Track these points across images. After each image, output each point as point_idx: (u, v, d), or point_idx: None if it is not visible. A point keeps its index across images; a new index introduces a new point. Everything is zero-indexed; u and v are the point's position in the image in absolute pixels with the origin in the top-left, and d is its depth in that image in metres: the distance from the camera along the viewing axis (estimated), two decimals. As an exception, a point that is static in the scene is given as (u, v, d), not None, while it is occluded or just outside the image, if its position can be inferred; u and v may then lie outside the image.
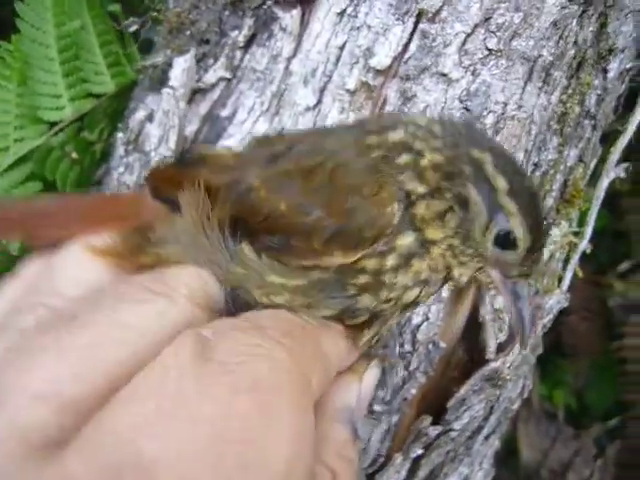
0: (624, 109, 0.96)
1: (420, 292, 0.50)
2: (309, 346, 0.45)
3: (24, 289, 0.48)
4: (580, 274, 0.96)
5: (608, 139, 0.95)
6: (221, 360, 0.38)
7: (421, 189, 0.47)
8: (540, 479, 2.18)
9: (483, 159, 0.47)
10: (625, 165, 0.90)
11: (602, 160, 0.94)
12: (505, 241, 0.47)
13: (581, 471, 2.17)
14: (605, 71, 0.85)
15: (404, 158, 0.48)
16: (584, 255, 2.21)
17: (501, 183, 0.46)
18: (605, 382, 2.22)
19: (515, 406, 0.95)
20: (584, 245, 0.90)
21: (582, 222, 0.92)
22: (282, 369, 0.40)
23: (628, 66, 0.87)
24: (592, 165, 0.93)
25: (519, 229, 0.47)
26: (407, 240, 0.48)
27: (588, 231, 0.89)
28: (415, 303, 0.51)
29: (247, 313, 0.46)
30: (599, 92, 0.86)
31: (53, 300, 0.45)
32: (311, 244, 0.46)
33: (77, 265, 0.48)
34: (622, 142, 0.89)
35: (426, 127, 0.50)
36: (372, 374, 0.55)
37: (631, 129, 0.89)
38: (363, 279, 0.48)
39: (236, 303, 0.48)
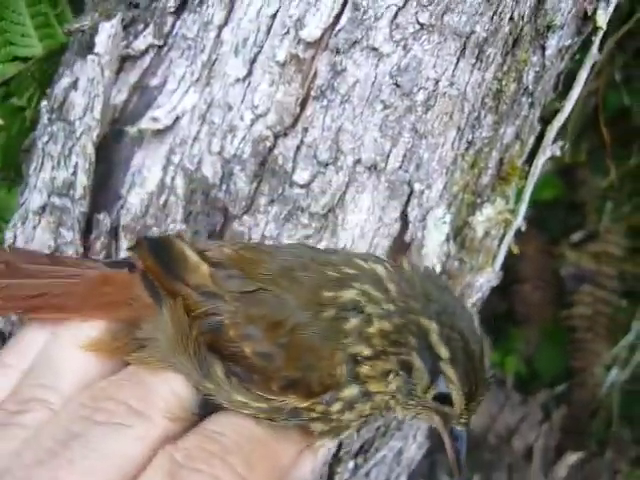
0: (564, 87, 0.96)
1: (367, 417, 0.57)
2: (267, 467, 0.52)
3: (24, 373, 0.55)
4: (516, 250, 0.96)
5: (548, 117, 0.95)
6: None
7: (367, 352, 0.54)
8: (487, 444, 2.24)
9: (429, 328, 0.53)
10: (561, 143, 0.90)
11: (540, 137, 0.94)
12: (444, 400, 0.54)
13: (527, 436, 2.23)
14: (543, 48, 0.84)
15: (352, 323, 0.54)
16: (538, 225, 2.23)
17: (443, 352, 0.52)
18: (554, 349, 2.29)
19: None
20: (518, 222, 0.90)
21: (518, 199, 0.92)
22: None
23: (567, 43, 0.87)
24: (530, 142, 0.93)
25: (456, 394, 0.53)
26: (351, 392, 0.54)
27: (522, 209, 0.90)
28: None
29: (215, 425, 0.52)
30: (537, 69, 0.85)
31: (49, 396, 0.51)
32: (270, 386, 0.53)
33: (71, 359, 0.55)
34: (559, 120, 0.89)
35: (381, 284, 0.55)
36: (325, 448, 0.60)
37: (568, 107, 0.88)
38: (314, 415, 0.54)
39: (208, 406, 0.54)
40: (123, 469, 0.46)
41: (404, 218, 0.79)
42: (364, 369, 0.54)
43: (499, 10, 0.74)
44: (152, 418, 0.50)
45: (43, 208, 0.84)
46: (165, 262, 0.60)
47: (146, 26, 0.83)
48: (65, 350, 0.56)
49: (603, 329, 2.17)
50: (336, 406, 0.54)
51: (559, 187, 2.20)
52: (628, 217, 2.16)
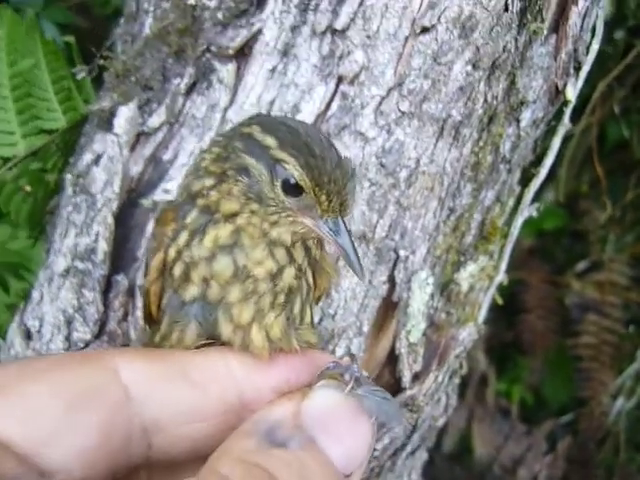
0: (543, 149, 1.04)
1: (238, 264, 0.53)
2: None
3: None
4: (500, 302, 1.04)
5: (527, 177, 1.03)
6: None
7: (209, 182, 0.54)
8: (493, 475, 2.26)
9: (251, 130, 0.53)
10: (537, 205, 0.98)
11: (520, 198, 1.02)
12: (292, 188, 0.52)
13: (532, 466, 2.25)
14: (518, 120, 0.92)
15: (189, 177, 0.58)
16: (542, 254, 2.26)
17: (270, 141, 0.52)
18: (560, 379, 2.31)
19: (439, 422, 1.04)
20: (499, 278, 0.98)
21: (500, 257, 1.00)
22: None
23: (540, 115, 0.95)
24: (510, 204, 1.01)
25: (296, 173, 0.51)
26: (192, 217, 0.54)
27: (502, 266, 0.97)
28: (266, 281, 0.53)
29: None
30: (513, 139, 0.93)
31: None
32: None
33: None
34: (535, 184, 0.97)
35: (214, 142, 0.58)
36: (320, 394, 0.49)
37: (543, 173, 0.97)
38: (177, 270, 0.54)
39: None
40: None
41: (391, 280, 0.87)
42: (212, 196, 0.53)
43: (472, 96, 0.83)
44: None
45: (67, 271, 0.93)
46: None
47: (159, 106, 0.93)
48: None
49: (608, 358, 2.18)
50: (183, 236, 0.54)
51: (563, 217, 2.24)
52: (631, 246, 2.20)
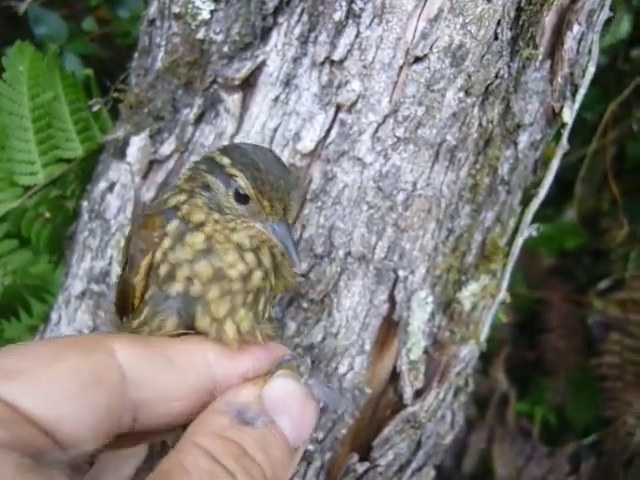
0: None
1: (215, 266, 0.62)
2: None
3: None
4: (504, 319, 1.06)
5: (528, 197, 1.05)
6: None
7: (182, 197, 0.64)
8: (514, 497, 2.23)
9: (213, 155, 0.65)
10: (536, 225, 1.00)
11: (521, 218, 1.04)
12: (241, 197, 0.62)
13: (554, 489, 2.22)
14: (515, 143, 0.95)
15: (168, 193, 0.68)
16: (564, 273, 2.25)
17: (225, 161, 0.63)
18: (584, 399, 2.28)
19: (446, 440, 1.05)
20: (501, 296, 1.00)
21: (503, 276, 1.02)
22: None
23: (538, 137, 0.97)
24: (511, 224, 1.03)
25: (242, 183, 0.61)
26: (173, 225, 0.64)
27: (504, 284, 0.99)
28: (239, 281, 0.63)
29: None
30: (511, 162, 0.96)
31: None
32: (130, 280, 0.65)
33: None
34: (534, 204, 0.99)
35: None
36: (279, 382, 0.60)
37: (542, 193, 0.99)
38: (162, 270, 0.63)
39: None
40: None
41: (391, 300, 0.89)
42: (184, 209, 0.64)
43: (466, 121, 0.85)
44: None
45: (83, 293, 0.97)
46: None
47: (170, 135, 0.97)
48: None
49: (633, 377, 2.15)
50: (166, 242, 0.63)
51: (583, 235, 2.24)
52: (654, 264, 2.18)
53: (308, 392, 0.60)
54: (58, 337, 0.57)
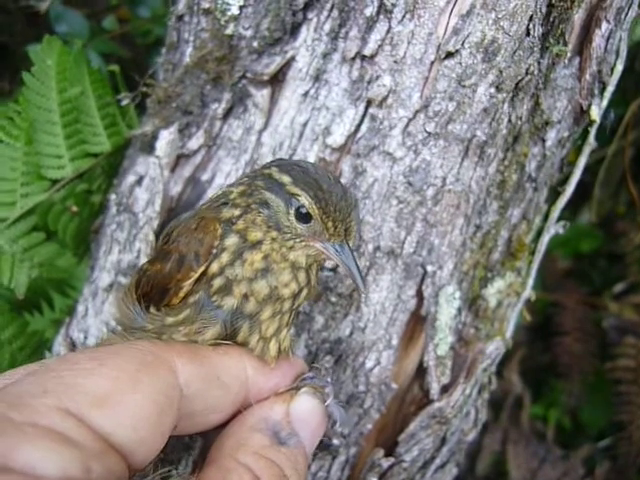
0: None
1: (272, 285, 0.64)
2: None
3: None
4: (528, 318, 1.05)
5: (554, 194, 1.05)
6: None
7: (237, 212, 0.65)
8: (527, 500, 2.22)
9: (270, 171, 0.66)
10: (562, 223, 0.99)
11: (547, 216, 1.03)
12: (303, 216, 0.63)
13: (568, 492, 2.21)
14: (543, 140, 0.95)
15: (221, 201, 0.68)
16: (579, 276, 2.24)
17: (286, 179, 0.64)
18: (598, 402, 2.27)
19: (469, 437, 1.05)
20: (526, 294, 1.00)
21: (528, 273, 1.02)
22: None
23: (566, 135, 0.97)
24: (537, 222, 1.03)
25: (306, 202, 0.62)
26: (232, 241, 0.64)
27: (529, 282, 0.99)
28: (289, 300, 0.66)
29: None
30: (539, 159, 0.96)
31: None
32: (175, 278, 0.65)
33: None
34: (561, 202, 0.99)
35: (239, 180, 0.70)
36: (304, 400, 0.67)
37: (569, 191, 0.98)
38: (217, 282, 0.64)
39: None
40: None
41: (419, 295, 0.89)
42: (240, 224, 0.64)
43: (496, 117, 0.86)
44: None
45: (111, 286, 0.98)
46: None
47: (198, 129, 0.98)
48: None
49: None
50: (225, 256, 0.64)
51: (599, 239, 2.23)
52: (670, 267, 2.17)
53: (326, 412, 0.68)
54: (116, 347, 0.57)
